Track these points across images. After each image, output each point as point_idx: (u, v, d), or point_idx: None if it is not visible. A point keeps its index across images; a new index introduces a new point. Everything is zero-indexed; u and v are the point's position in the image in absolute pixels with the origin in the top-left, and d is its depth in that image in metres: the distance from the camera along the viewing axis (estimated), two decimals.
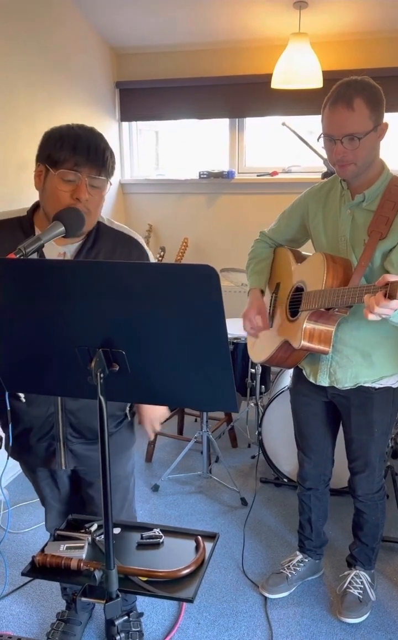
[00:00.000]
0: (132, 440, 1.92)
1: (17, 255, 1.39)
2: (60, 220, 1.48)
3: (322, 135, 1.85)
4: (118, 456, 1.87)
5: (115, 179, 1.71)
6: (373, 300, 1.55)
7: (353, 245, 1.93)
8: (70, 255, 1.68)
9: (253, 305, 2.17)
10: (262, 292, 2.23)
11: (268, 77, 3.45)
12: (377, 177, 1.89)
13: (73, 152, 1.53)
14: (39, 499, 2.03)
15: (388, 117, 1.86)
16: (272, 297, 2.26)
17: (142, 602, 2.23)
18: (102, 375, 1.21)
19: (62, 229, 1.48)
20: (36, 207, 1.68)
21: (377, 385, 2.03)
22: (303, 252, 2.21)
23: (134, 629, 2.13)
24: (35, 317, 1.25)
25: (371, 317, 1.58)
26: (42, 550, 1.45)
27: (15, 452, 1.84)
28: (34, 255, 1.45)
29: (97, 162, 1.55)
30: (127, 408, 1.82)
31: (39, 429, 1.74)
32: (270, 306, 2.25)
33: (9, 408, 1.71)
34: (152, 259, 1.83)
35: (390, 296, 1.51)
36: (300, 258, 2.16)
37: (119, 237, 1.74)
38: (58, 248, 1.68)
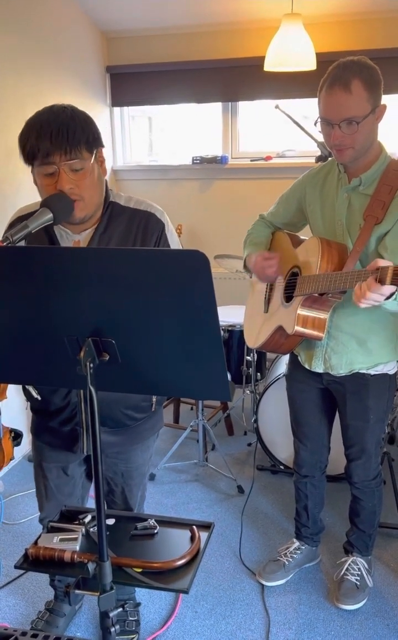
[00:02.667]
0: (155, 429, 1.91)
1: (5, 244, 1.36)
2: (47, 206, 1.44)
3: (319, 119, 1.80)
4: (139, 444, 1.87)
5: (107, 165, 1.64)
6: (364, 286, 1.53)
7: (349, 230, 1.90)
8: (84, 242, 1.64)
9: (259, 254, 2.06)
10: None
11: (261, 59, 3.39)
12: (375, 161, 1.85)
13: (38, 142, 1.46)
14: (36, 491, 2.00)
15: (385, 100, 1.81)
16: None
17: (139, 592, 2.23)
18: (91, 365, 1.18)
19: (50, 215, 1.44)
20: None
21: (372, 372, 2.01)
22: (301, 237, 2.18)
23: (130, 619, 2.12)
24: (22, 306, 1.21)
25: (362, 304, 1.56)
26: (36, 542, 1.44)
27: (38, 433, 1.88)
28: (22, 243, 1.42)
29: (63, 144, 1.46)
30: (154, 398, 1.79)
31: (64, 415, 1.76)
32: (266, 291, 2.23)
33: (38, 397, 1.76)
34: (173, 232, 1.73)
35: (380, 281, 1.49)
36: (297, 243, 2.12)
37: (134, 215, 1.65)
38: (74, 236, 1.64)
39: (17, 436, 2.24)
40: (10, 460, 2.21)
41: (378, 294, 1.52)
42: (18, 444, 2.23)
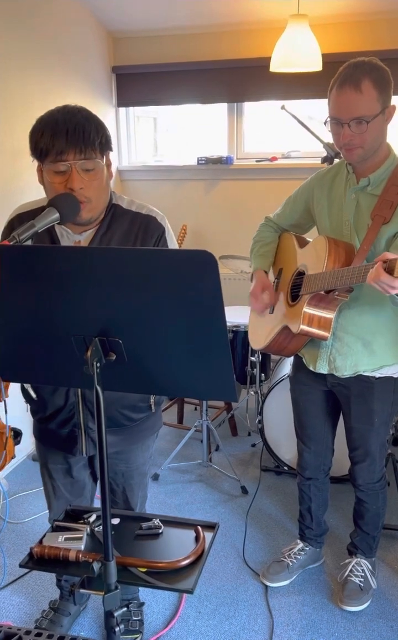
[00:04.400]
0: (154, 429, 1.91)
1: (11, 243, 1.36)
2: (54, 206, 1.44)
3: (328, 119, 1.81)
4: (139, 443, 1.87)
5: (112, 166, 1.65)
6: (374, 272, 1.55)
7: (356, 230, 1.90)
8: (85, 242, 1.64)
9: (258, 283, 2.15)
10: (266, 273, 2.20)
11: (267, 60, 3.39)
12: (383, 161, 1.86)
13: (52, 139, 1.47)
14: (43, 489, 2.01)
15: (395, 101, 1.81)
16: (274, 282, 2.23)
17: (143, 591, 2.23)
18: (98, 364, 1.18)
19: (57, 215, 1.44)
20: None
21: (377, 375, 2.00)
22: (307, 239, 2.18)
23: (134, 618, 2.12)
24: (29, 305, 1.22)
25: (373, 284, 1.57)
26: (40, 541, 1.44)
27: (39, 436, 1.89)
28: (29, 242, 1.42)
29: (79, 143, 1.47)
30: (152, 399, 1.80)
31: (61, 415, 1.76)
32: None
33: (35, 396, 1.77)
34: (172, 237, 1.74)
35: (389, 271, 1.51)
36: (303, 244, 2.13)
37: (135, 218, 1.67)
38: (75, 236, 1.65)
39: (16, 434, 2.24)
40: (12, 458, 2.20)
41: (388, 285, 1.54)
42: (18, 443, 2.22)
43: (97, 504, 2.10)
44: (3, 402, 1.82)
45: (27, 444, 3.21)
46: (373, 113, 1.74)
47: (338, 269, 1.79)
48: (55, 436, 1.82)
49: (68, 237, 1.65)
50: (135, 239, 1.65)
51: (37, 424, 1.87)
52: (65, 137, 1.47)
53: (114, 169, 4.04)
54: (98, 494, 2.34)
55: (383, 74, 1.76)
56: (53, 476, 1.92)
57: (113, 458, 1.84)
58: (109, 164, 1.60)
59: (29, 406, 1.85)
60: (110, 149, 1.59)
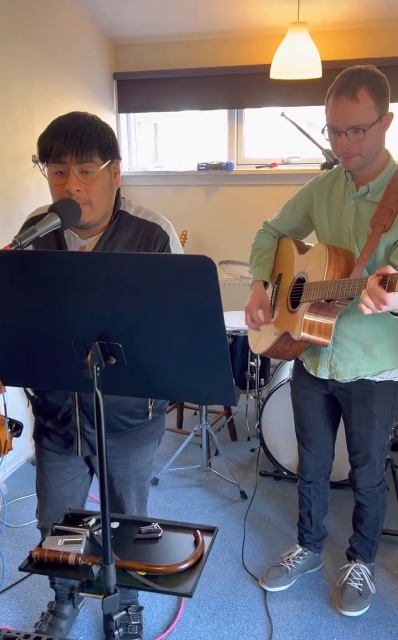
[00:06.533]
0: (155, 436, 1.91)
1: (13, 247, 1.37)
2: (55, 211, 1.46)
3: (326, 127, 1.82)
4: (138, 448, 1.87)
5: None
6: (367, 289, 1.51)
7: (356, 237, 1.91)
8: (89, 247, 1.66)
9: (255, 299, 2.16)
10: (266, 284, 2.21)
11: (267, 67, 3.41)
12: (382, 168, 1.87)
13: (52, 141, 1.50)
14: (36, 495, 2.00)
15: (392, 108, 1.83)
16: (274, 288, 2.24)
17: (142, 596, 2.23)
18: (98, 368, 1.19)
19: (58, 220, 1.45)
20: None
21: (377, 379, 2.01)
22: (306, 243, 2.19)
23: (133, 622, 2.12)
24: (30, 309, 1.23)
25: (366, 311, 1.53)
26: (40, 545, 1.44)
27: (38, 433, 1.90)
28: (30, 247, 1.43)
29: (76, 145, 1.49)
30: (150, 406, 1.79)
31: (58, 416, 1.77)
32: (272, 297, 2.24)
33: (33, 394, 1.80)
34: (178, 246, 1.74)
35: (389, 288, 1.49)
36: (303, 249, 2.14)
37: (140, 226, 1.67)
38: (81, 241, 1.66)
39: (17, 427, 2.22)
40: (9, 450, 2.19)
41: (380, 300, 1.50)
42: (18, 435, 2.21)
43: (90, 506, 2.10)
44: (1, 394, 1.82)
45: (26, 448, 3.22)
46: (370, 121, 1.75)
47: (338, 279, 1.79)
48: (52, 435, 1.83)
49: (74, 242, 1.67)
50: (138, 247, 1.65)
51: (36, 421, 1.89)
52: (63, 140, 1.49)
53: None
54: (93, 495, 2.33)
55: (380, 81, 1.77)
56: (47, 476, 1.91)
57: (111, 462, 1.84)
58: (116, 171, 1.61)
59: (30, 402, 1.86)
60: (118, 157, 1.60)
